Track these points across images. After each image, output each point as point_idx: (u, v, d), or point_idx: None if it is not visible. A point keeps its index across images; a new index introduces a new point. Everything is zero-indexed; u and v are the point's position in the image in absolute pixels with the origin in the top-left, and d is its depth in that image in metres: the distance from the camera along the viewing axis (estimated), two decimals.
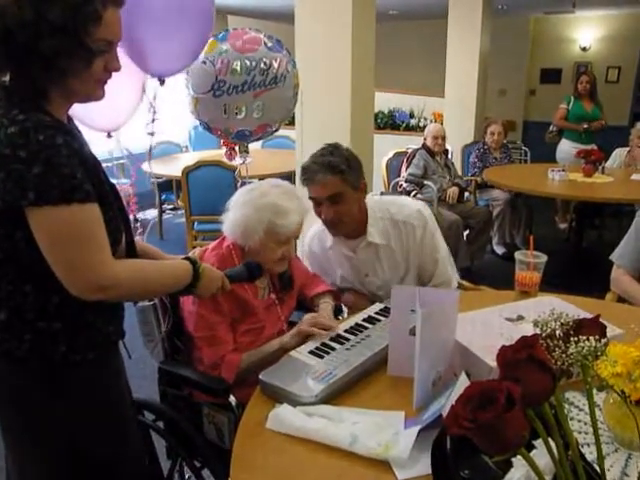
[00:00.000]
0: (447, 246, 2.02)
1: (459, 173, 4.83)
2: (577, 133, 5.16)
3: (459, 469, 0.89)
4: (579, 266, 4.34)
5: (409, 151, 4.51)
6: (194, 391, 1.60)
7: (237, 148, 2.74)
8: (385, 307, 1.65)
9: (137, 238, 1.40)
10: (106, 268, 1.07)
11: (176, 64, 2.09)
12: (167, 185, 5.22)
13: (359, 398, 1.28)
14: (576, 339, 0.77)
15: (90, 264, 1.06)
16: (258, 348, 1.61)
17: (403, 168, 4.45)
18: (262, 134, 2.58)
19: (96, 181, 1.11)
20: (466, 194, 4.63)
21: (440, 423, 1.00)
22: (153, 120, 2.24)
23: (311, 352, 1.42)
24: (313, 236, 2.02)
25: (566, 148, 5.21)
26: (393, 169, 4.67)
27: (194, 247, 2.47)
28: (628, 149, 4.80)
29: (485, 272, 4.26)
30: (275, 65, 2.37)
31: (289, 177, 3.78)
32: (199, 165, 4.09)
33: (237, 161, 2.80)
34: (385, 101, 6.56)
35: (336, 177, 1.75)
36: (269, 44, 2.41)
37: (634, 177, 4.23)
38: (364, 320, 1.60)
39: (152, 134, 2.29)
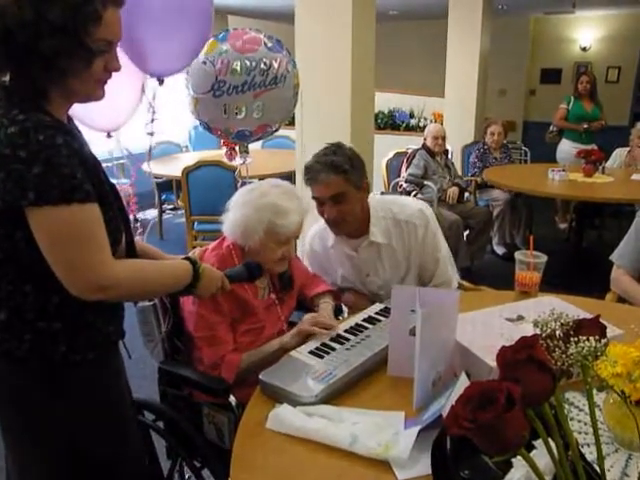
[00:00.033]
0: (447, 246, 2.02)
1: (459, 173, 4.83)
2: (577, 133, 5.16)
3: (459, 469, 0.89)
4: (579, 266, 4.34)
5: (409, 151, 4.51)
6: (194, 391, 1.60)
7: (237, 148, 2.74)
8: (385, 307, 1.65)
9: (137, 238, 1.40)
10: (106, 268, 1.07)
11: (175, 64, 2.09)
12: (167, 185, 5.21)
13: (359, 398, 1.28)
14: (576, 339, 0.77)
15: (90, 264, 1.06)
16: (258, 348, 1.61)
17: (403, 168, 4.45)
18: (262, 134, 2.58)
19: (96, 181, 1.11)
20: (466, 194, 4.63)
21: (440, 423, 1.00)
22: (152, 120, 2.24)
23: (311, 352, 1.42)
24: (314, 235, 2.02)
25: (566, 148, 5.22)
26: (393, 169, 4.67)
27: (194, 247, 2.47)
28: (628, 149, 4.80)
29: (485, 272, 4.26)
30: (275, 65, 2.37)
31: (289, 177, 3.77)
32: (199, 165, 4.09)
33: (237, 161, 2.79)
34: (385, 101, 6.56)
35: (339, 177, 1.76)
36: (269, 44, 2.41)
37: (634, 177, 4.23)
38: (364, 320, 1.60)
39: (152, 134, 2.29)
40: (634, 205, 4.16)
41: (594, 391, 0.79)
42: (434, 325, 1.20)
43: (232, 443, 1.15)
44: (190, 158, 4.99)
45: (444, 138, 4.41)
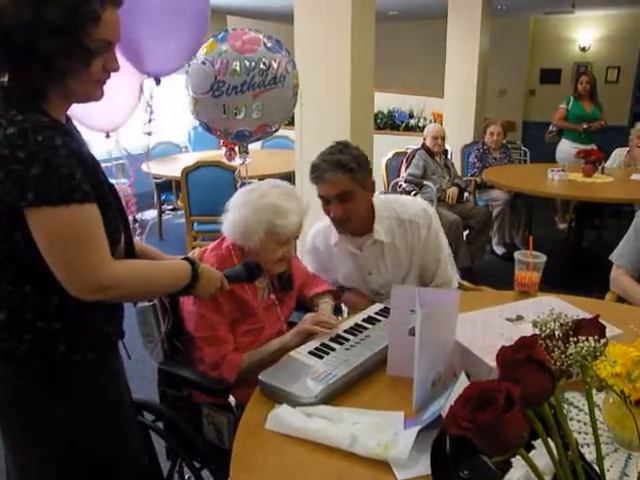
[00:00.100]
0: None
1: (459, 173, 4.84)
2: (577, 133, 5.16)
3: (459, 469, 0.89)
4: (579, 266, 4.34)
5: (408, 151, 4.51)
6: (193, 392, 1.60)
7: (237, 148, 2.74)
8: (385, 307, 1.65)
9: (136, 238, 1.40)
10: (105, 268, 1.07)
11: (171, 64, 2.09)
12: (167, 185, 5.21)
13: (359, 398, 1.28)
14: (575, 339, 0.77)
15: (89, 264, 1.06)
16: (259, 348, 1.61)
17: (402, 168, 4.45)
18: (262, 134, 2.58)
19: (95, 181, 1.11)
20: (466, 194, 4.63)
21: (440, 423, 1.00)
22: (150, 120, 2.23)
23: (311, 352, 1.42)
24: (317, 233, 2.02)
25: (566, 148, 5.21)
26: (392, 169, 4.67)
27: (194, 248, 2.47)
28: (628, 149, 4.80)
29: (485, 272, 4.26)
30: (275, 65, 2.37)
31: (289, 177, 3.77)
32: (199, 165, 4.09)
33: (237, 161, 2.79)
34: (385, 101, 6.56)
35: (346, 176, 1.76)
36: (268, 44, 2.41)
37: (634, 177, 4.23)
38: (364, 320, 1.60)
39: (149, 134, 2.28)
40: (633, 205, 4.17)
41: (593, 391, 0.79)
42: (434, 325, 1.20)
43: (232, 443, 1.15)
44: (190, 158, 4.98)
45: (443, 138, 4.41)
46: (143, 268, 1.22)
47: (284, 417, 1.18)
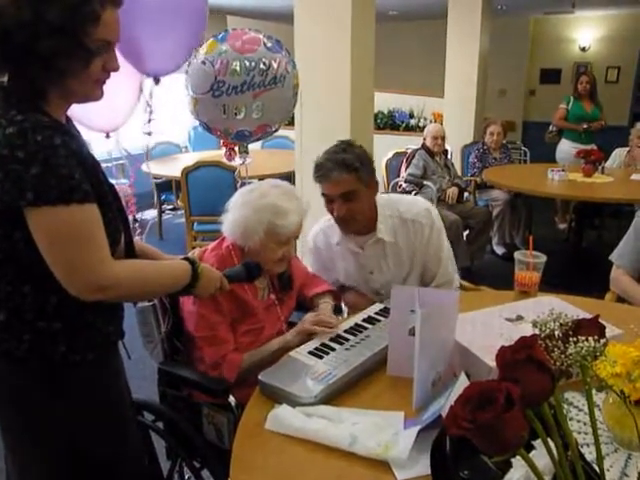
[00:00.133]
0: None
1: (459, 173, 4.84)
2: (577, 133, 5.16)
3: (458, 469, 0.89)
4: (579, 266, 4.34)
5: (408, 151, 4.51)
6: (193, 391, 1.60)
7: (237, 148, 2.74)
8: (385, 307, 1.65)
9: (136, 238, 1.40)
10: (105, 268, 1.07)
11: (170, 63, 2.09)
12: (167, 185, 5.21)
13: (359, 398, 1.28)
14: (575, 339, 0.77)
15: (89, 264, 1.06)
16: (259, 348, 1.61)
17: (402, 168, 4.45)
18: (262, 134, 2.57)
19: (95, 181, 1.11)
20: (466, 194, 4.63)
21: (439, 423, 1.00)
22: (150, 120, 2.23)
23: (311, 352, 1.42)
24: (318, 232, 2.02)
25: (566, 148, 5.21)
26: (392, 169, 4.67)
27: (194, 247, 2.47)
28: (628, 149, 4.79)
29: (485, 272, 4.26)
30: (275, 65, 2.36)
31: (289, 177, 3.77)
32: (199, 165, 4.09)
33: (237, 161, 2.79)
34: (385, 101, 6.56)
35: (350, 175, 1.76)
36: (268, 44, 2.40)
37: (634, 177, 4.23)
38: (364, 320, 1.60)
39: (149, 134, 2.28)
40: (633, 205, 4.16)
41: (593, 391, 0.79)
42: (434, 325, 1.20)
43: (232, 443, 1.15)
44: (190, 158, 4.98)
45: (443, 138, 4.41)
46: (143, 268, 1.22)
47: (284, 417, 1.18)
